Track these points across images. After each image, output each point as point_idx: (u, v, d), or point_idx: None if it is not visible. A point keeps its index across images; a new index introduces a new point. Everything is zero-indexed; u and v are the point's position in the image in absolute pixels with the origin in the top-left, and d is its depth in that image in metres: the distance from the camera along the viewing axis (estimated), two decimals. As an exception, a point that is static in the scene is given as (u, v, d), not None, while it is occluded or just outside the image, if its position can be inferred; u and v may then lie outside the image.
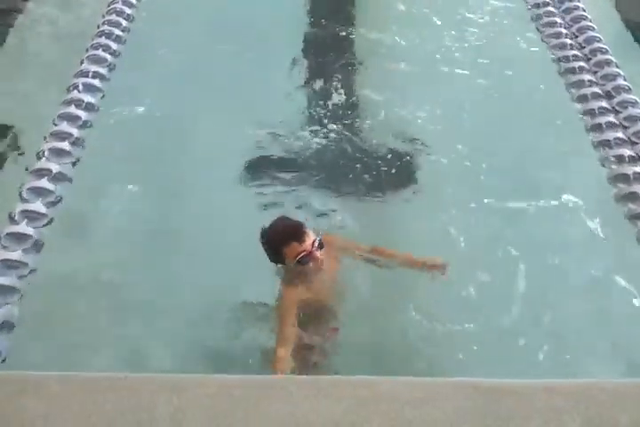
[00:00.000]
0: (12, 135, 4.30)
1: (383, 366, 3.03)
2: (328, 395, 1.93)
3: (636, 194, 3.92)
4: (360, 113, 4.62)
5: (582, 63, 4.81)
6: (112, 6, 5.18)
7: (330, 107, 4.61)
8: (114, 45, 4.86)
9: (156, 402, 1.88)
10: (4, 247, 3.49)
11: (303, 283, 3.05)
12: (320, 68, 4.99)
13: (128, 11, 5.17)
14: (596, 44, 4.95)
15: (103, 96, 4.52)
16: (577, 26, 5.16)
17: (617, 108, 4.45)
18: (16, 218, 3.65)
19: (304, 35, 5.30)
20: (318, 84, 4.83)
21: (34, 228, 3.61)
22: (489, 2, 5.61)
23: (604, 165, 4.14)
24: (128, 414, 1.84)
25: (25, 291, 3.32)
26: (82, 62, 4.69)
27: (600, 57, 4.83)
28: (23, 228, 3.60)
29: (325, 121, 4.49)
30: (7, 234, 3.55)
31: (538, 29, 5.25)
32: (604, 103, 4.48)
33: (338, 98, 4.69)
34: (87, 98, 4.40)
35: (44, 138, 4.13)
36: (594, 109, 4.45)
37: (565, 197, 3.96)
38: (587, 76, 4.70)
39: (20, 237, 3.55)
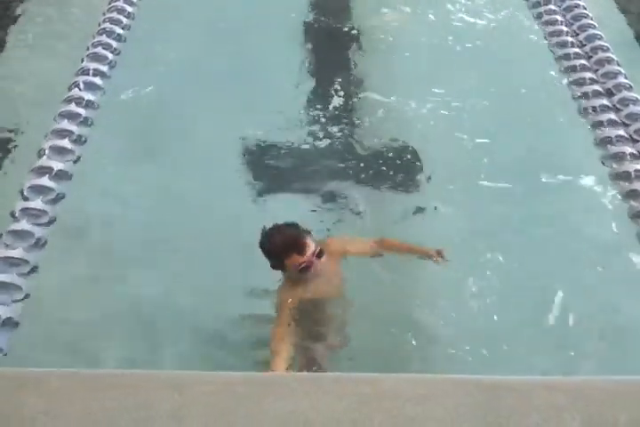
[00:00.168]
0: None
1: (384, 365, 3.04)
2: (330, 392, 1.93)
3: (637, 191, 3.93)
4: (361, 112, 4.62)
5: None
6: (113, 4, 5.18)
7: (330, 107, 4.60)
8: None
9: (157, 399, 1.87)
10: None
11: (301, 286, 3.04)
12: (321, 64, 4.99)
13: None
14: (597, 42, 4.95)
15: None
16: (578, 24, 5.17)
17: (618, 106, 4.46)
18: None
19: (305, 32, 5.30)
20: (319, 81, 4.83)
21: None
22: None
23: (603, 164, 4.16)
24: (129, 411, 1.84)
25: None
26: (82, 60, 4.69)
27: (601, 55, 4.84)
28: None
29: (326, 120, 4.49)
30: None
31: (539, 27, 5.26)
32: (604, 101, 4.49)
33: (338, 98, 4.68)
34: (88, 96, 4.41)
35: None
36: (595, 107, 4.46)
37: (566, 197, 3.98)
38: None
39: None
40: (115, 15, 5.06)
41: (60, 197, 3.81)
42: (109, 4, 5.19)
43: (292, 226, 3.05)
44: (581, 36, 5.05)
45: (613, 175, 4.07)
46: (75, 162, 4.04)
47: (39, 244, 3.57)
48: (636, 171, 4.02)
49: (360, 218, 3.88)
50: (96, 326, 3.28)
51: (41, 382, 1.95)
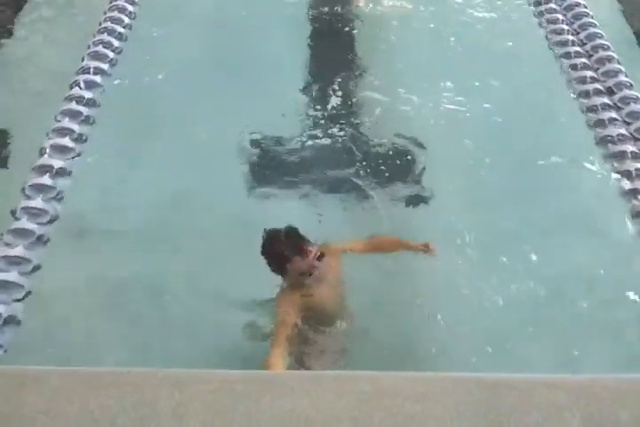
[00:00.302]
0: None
1: (385, 364, 3.04)
2: (329, 390, 1.92)
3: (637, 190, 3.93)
4: (361, 111, 4.62)
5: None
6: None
7: (330, 106, 4.61)
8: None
9: (157, 397, 1.87)
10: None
11: (302, 290, 3.03)
12: (322, 63, 5.00)
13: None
14: (598, 41, 4.94)
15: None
16: (578, 22, 5.16)
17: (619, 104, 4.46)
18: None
19: (305, 31, 5.30)
20: (320, 80, 4.83)
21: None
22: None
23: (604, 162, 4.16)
24: (130, 410, 1.84)
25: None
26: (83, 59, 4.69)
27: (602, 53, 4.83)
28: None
29: (325, 120, 4.49)
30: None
31: (540, 25, 5.25)
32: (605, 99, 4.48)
33: (338, 97, 4.68)
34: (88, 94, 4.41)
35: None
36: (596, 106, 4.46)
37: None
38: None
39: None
40: (115, 14, 5.06)
41: (60, 196, 3.82)
42: (110, 2, 5.19)
43: (293, 230, 3.04)
44: (582, 35, 5.05)
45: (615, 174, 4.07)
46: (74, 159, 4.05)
47: (41, 242, 3.58)
48: (636, 169, 4.01)
49: (360, 218, 3.89)
50: (96, 325, 3.28)
51: (41, 381, 1.95)
